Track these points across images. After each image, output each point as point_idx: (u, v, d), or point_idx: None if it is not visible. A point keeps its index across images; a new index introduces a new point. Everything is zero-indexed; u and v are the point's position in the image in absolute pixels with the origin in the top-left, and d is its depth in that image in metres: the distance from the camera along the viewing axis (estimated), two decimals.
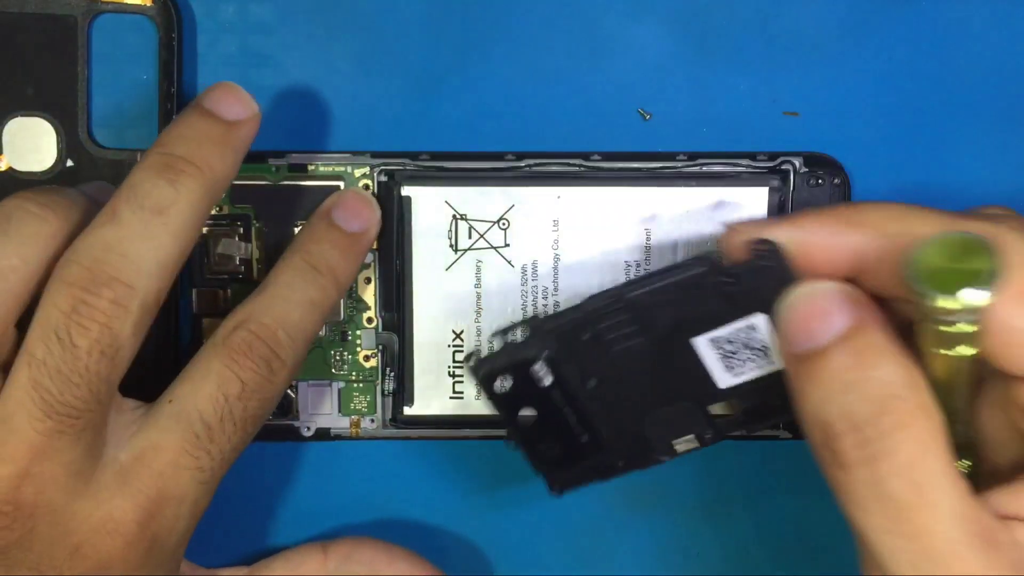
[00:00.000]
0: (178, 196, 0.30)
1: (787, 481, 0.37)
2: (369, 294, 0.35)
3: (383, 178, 0.35)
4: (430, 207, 0.35)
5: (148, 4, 0.34)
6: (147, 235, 0.29)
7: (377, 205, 0.34)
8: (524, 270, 0.35)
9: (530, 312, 0.35)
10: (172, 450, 0.30)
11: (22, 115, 0.34)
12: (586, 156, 0.35)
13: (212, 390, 0.30)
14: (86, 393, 0.29)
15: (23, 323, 0.30)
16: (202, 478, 0.30)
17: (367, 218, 0.34)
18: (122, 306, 0.29)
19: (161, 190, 0.30)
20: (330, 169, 0.35)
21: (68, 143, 0.34)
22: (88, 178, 0.34)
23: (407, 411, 0.36)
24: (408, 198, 0.35)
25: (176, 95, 0.34)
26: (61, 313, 0.29)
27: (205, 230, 0.35)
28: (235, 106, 0.31)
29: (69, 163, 0.34)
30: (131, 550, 0.30)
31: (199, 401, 0.30)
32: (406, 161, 0.35)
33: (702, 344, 0.30)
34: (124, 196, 0.30)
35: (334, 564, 0.35)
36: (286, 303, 0.32)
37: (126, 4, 0.34)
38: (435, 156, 0.35)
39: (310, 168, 0.35)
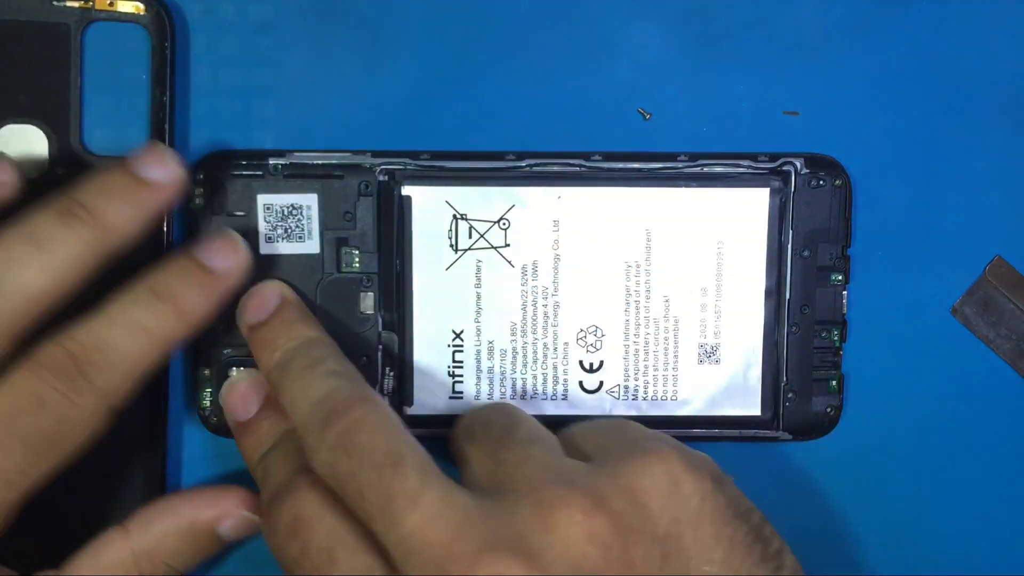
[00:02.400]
0: (63, 235, 0.30)
1: (786, 481, 0.37)
2: (369, 294, 0.35)
3: (383, 178, 0.35)
4: (430, 207, 0.35)
5: (141, 12, 0.34)
6: (18, 262, 0.30)
7: (246, 251, 0.33)
8: (524, 270, 0.35)
9: (530, 311, 0.35)
10: None
11: (14, 122, 0.34)
12: (586, 156, 0.35)
13: (2, 403, 0.29)
14: None
15: None
16: None
17: (230, 259, 0.33)
18: None
19: (48, 226, 0.30)
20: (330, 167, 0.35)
21: (60, 150, 0.34)
22: None
23: (407, 411, 0.36)
24: (408, 198, 0.35)
25: (169, 102, 0.34)
26: None
27: None
28: (156, 168, 0.31)
29: (61, 170, 0.34)
30: None
31: None
32: (406, 161, 0.35)
33: None
34: (14, 226, 0.30)
35: (137, 537, 0.33)
36: (112, 325, 0.30)
37: (119, 12, 0.34)
38: (435, 156, 0.35)
39: (310, 168, 0.35)
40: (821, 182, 0.35)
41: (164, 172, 0.31)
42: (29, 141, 0.34)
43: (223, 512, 0.33)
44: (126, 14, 0.34)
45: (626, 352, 0.36)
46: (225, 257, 0.33)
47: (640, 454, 0.30)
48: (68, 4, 0.34)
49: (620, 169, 0.35)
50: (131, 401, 0.31)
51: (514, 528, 0.28)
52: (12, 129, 0.34)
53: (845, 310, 0.36)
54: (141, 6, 0.34)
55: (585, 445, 0.32)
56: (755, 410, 0.36)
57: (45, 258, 0.30)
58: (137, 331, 0.31)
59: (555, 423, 0.36)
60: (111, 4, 0.34)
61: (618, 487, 0.29)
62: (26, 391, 0.29)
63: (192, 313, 0.31)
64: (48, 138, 0.34)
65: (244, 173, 0.35)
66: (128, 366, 0.30)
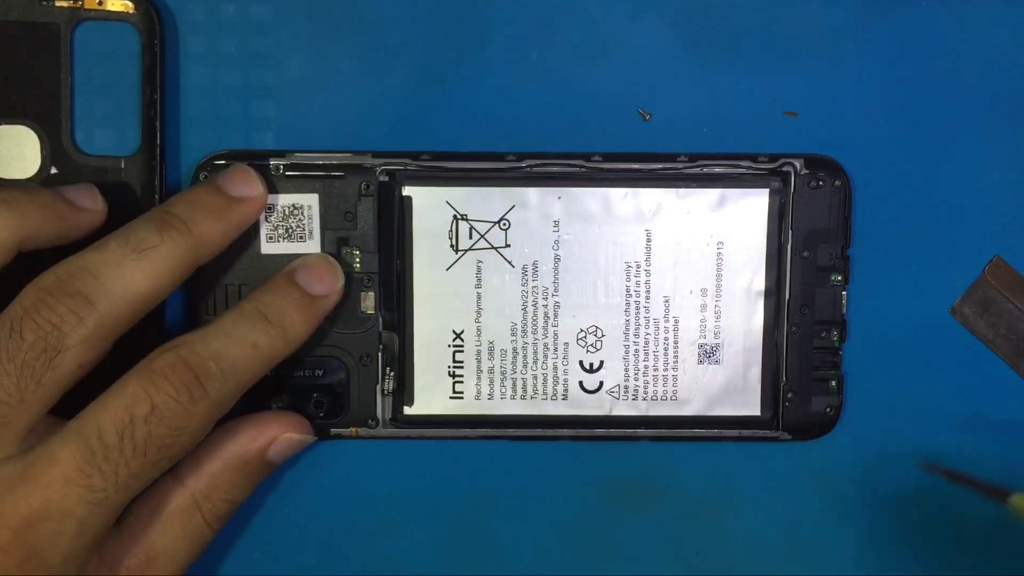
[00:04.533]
0: (161, 243, 0.31)
1: (786, 481, 0.37)
2: (370, 294, 0.35)
3: (384, 178, 0.35)
4: (431, 207, 0.35)
5: (131, 11, 0.34)
6: (121, 265, 0.31)
7: (342, 273, 0.35)
8: (524, 270, 0.35)
9: (530, 311, 0.36)
10: (65, 463, 0.30)
11: (5, 123, 0.34)
12: (587, 157, 0.35)
13: (118, 408, 0.30)
14: (13, 385, 0.30)
15: None
16: (92, 498, 0.30)
17: (330, 283, 0.34)
18: (78, 316, 0.30)
19: (147, 234, 0.32)
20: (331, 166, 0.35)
21: (52, 150, 0.34)
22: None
23: (407, 411, 0.36)
24: (409, 198, 0.35)
25: (160, 101, 0.34)
26: (22, 309, 0.30)
27: None
28: (242, 186, 0.34)
29: (53, 170, 0.34)
30: (3, 555, 0.29)
31: (102, 417, 0.30)
32: (407, 161, 0.35)
33: None
34: (117, 233, 0.32)
35: (192, 483, 0.34)
36: (227, 338, 0.32)
37: (109, 11, 0.34)
38: (436, 156, 0.35)
39: (310, 168, 0.35)
40: (821, 183, 0.35)
41: (249, 190, 0.34)
42: (21, 142, 0.34)
43: (269, 440, 0.34)
44: (115, 13, 0.34)
45: (626, 352, 0.36)
46: (327, 284, 0.34)
47: None
48: (57, 4, 0.34)
49: (620, 169, 0.35)
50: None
51: None
52: (3, 130, 0.34)
53: (844, 310, 0.36)
54: (130, 5, 0.34)
55: None
56: (755, 410, 0.36)
57: (146, 264, 0.31)
58: (248, 348, 0.32)
59: (555, 423, 0.36)
60: (100, 3, 0.34)
61: None
62: (142, 397, 0.30)
63: (296, 336, 0.33)
64: (40, 138, 0.34)
65: None
66: (239, 379, 0.32)
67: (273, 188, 0.35)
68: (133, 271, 0.31)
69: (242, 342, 0.32)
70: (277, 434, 0.34)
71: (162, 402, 0.30)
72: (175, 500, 0.33)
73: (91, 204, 0.33)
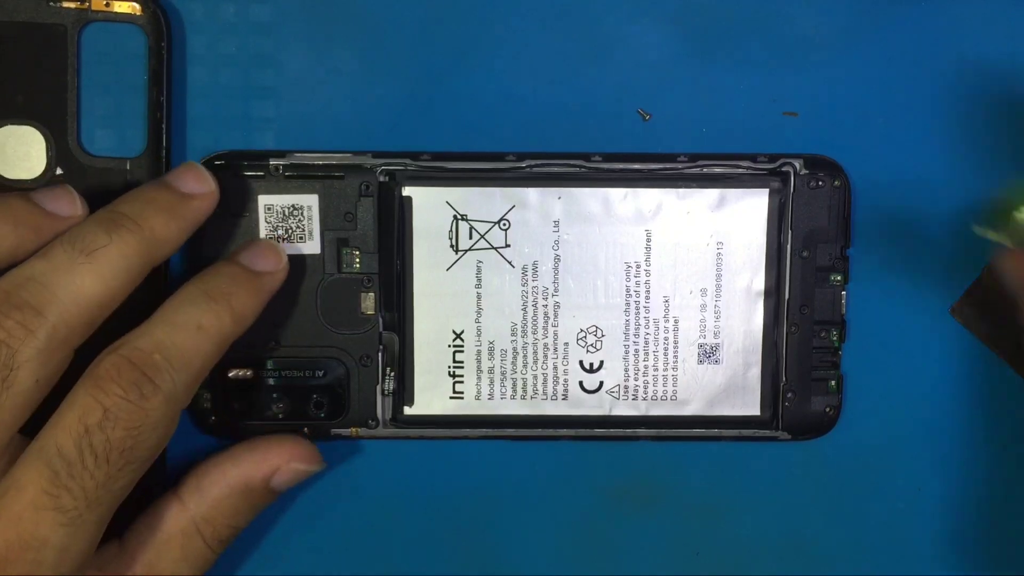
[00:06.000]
0: (110, 243, 0.30)
1: (786, 481, 0.37)
2: (370, 294, 0.35)
3: (384, 178, 0.35)
4: (431, 207, 0.35)
5: (138, 13, 0.34)
6: (70, 271, 0.30)
7: (285, 253, 0.34)
8: (524, 270, 0.35)
9: (530, 312, 0.36)
10: (30, 489, 0.29)
11: (12, 123, 0.34)
12: (587, 157, 0.35)
13: (72, 421, 0.29)
14: None
15: None
16: (65, 520, 0.29)
17: (274, 260, 0.34)
18: (27, 329, 0.29)
19: (95, 235, 0.31)
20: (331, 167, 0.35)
21: (58, 151, 0.34)
22: (77, 186, 0.34)
23: (407, 411, 0.36)
24: (409, 198, 0.35)
25: (167, 103, 0.34)
26: None
27: None
28: (193, 183, 0.33)
29: (59, 171, 0.34)
30: None
31: (59, 433, 0.29)
32: (407, 161, 0.35)
33: None
34: (62, 238, 0.31)
35: (194, 506, 0.33)
36: (169, 327, 0.31)
37: (116, 13, 0.34)
38: (436, 156, 0.35)
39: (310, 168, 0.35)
40: (820, 183, 0.35)
41: (200, 186, 0.33)
42: (27, 142, 0.34)
43: (273, 468, 0.34)
44: (122, 15, 0.34)
45: (626, 352, 0.36)
46: (268, 260, 0.33)
47: None
48: (64, 5, 0.34)
49: (620, 170, 0.35)
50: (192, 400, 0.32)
51: None
52: (10, 130, 0.34)
53: (844, 310, 0.36)
54: (137, 7, 0.34)
55: None
56: (754, 410, 0.36)
57: (96, 266, 0.30)
58: (194, 331, 0.31)
59: (555, 423, 0.36)
60: (107, 5, 0.34)
61: None
62: (92, 405, 0.29)
63: (243, 311, 0.32)
64: (46, 139, 0.34)
65: (245, 174, 0.35)
66: (189, 364, 0.31)
67: (273, 188, 0.35)
68: (83, 275, 0.30)
69: (186, 326, 0.31)
70: (282, 463, 0.34)
71: (113, 405, 0.29)
72: (177, 523, 0.33)
73: (70, 210, 0.32)
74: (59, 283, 0.30)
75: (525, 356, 0.36)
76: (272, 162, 0.35)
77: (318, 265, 0.35)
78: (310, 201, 0.35)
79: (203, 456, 0.35)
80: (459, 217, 0.35)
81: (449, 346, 0.36)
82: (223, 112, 0.35)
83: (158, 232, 0.31)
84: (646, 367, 0.36)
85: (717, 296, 0.36)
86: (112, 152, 0.34)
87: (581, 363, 0.36)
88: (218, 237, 0.35)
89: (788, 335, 0.36)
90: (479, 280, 0.35)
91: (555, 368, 0.36)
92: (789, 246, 0.35)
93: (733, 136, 0.35)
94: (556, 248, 0.35)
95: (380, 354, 0.36)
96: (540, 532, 0.37)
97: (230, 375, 0.35)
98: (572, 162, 0.35)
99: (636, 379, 0.36)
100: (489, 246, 0.35)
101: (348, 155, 0.35)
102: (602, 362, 0.36)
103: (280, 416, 0.36)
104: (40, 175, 0.34)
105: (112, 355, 0.30)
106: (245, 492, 0.34)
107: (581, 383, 0.36)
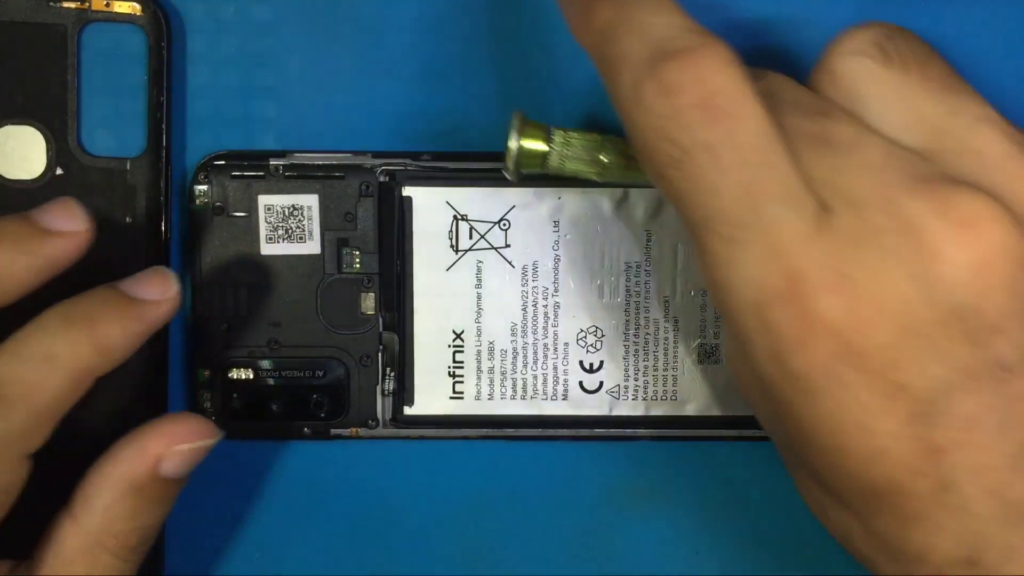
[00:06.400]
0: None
1: (786, 481, 0.37)
2: (370, 295, 0.35)
3: (384, 178, 0.35)
4: (431, 207, 0.35)
5: (138, 13, 0.34)
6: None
7: (177, 281, 0.31)
8: (524, 270, 0.35)
9: (530, 312, 0.36)
10: None
11: (11, 123, 0.34)
12: None
13: None
14: None
15: None
16: None
17: (160, 288, 0.30)
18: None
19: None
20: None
21: (58, 151, 0.34)
22: (78, 186, 0.34)
23: (407, 411, 0.36)
24: (409, 198, 0.35)
25: (167, 103, 0.34)
26: None
27: None
28: (63, 221, 0.30)
29: (59, 171, 0.34)
30: None
31: None
32: (407, 161, 0.35)
33: None
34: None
35: (85, 520, 0.30)
36: (11, 357, 0.28)
37: (116, 13, 0.34)
38: (436, 156, 0.35)
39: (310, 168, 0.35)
40: None
41: (70, 223, 0.30)
42: (27, 142, 0.34)
43: (155, 456, 0.30)
44: (123, 15, 0.34)
45: (626, 352, 0.36)
46: (153, 287, 0.30)
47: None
48: (64, 5, 0.34)
49: None
50: (48, 440, 0.29)
51: (984, 183, 0.25)
52: (10, 130, 0.34)
53: None
54: (138, 7, 0.34)
55: None
56: None
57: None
58: (39, 360, 0.28)
59: (555, 423, 0.36)
60: (107, 5, 0.34)
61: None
62: None
63: (110, 341, 0.29)
64: (46, 139, 0.34)
65: (245, 174, 0.35)
66: (31, 402, 0.28)
67: (273, 188, 0.35)
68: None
69: (32, 357, 0.28)
70: (164, 448, 0.30)
71: None
72: (75, 544, 0.30)
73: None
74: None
75: (525, 356, 0.36)
76: (272, 162, 0.35)
77: (318, 265, 0.35)
78: (310, 201, 0.35)
79: (205, 457, 0.35)
80: (459, 217, 0.35)
81: (449, 346, 0.36)
82: (223, 112, 0.35)
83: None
84: (646, 367, 0.36)
85: None
86: (112, 152, 0.34)
87: (581, 363, 0.36)
88: (218, 237, 0.35)
89: None
90: (479, 280, 0.35)
91: (555, 368, 0.36)
92: None
93: None
94: (556, 248, 0.35)
95: (380, 354, 0.36)
96: (540, 532, 0.37)
97: (230, 375, 0.35)
98: None
99: (636, 379, 0.36)
100: (489, 246, 0.35)
101: (348, 155, 0.35)
102: (602, 362, 0.36)
103: (280, 417, 0.36)
104: (40, 175, 0.34)
105: None
106: (134, 491, 0.30)
107: (581, 383, 0.36)
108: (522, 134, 0.31)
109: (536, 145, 0.31)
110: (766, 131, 0.25)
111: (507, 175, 0.32)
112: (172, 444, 0.30)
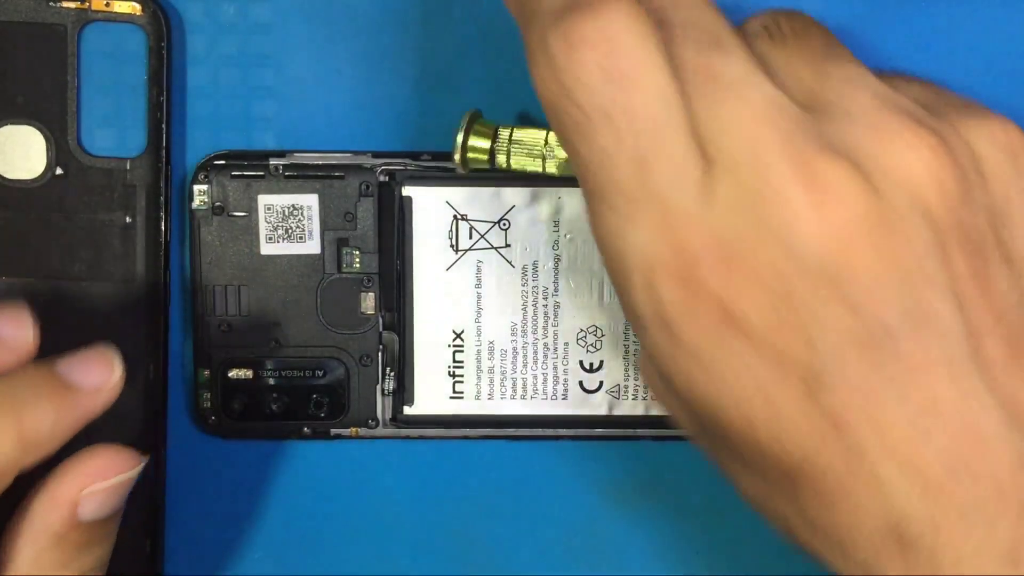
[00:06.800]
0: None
1: None
2: (370, 294, 0.35)
3: (384, 178, 0.35)
4: (431, 207, 0.35)
5: (138, 13, 0.34)
6: None
7: (120, 365, 0.29)
8: (524, 270, 0.35)
9: (530, 312, 0.36)
10: None
11: (11, 123, 0.34)
12: None
13: None
14: None
15: None
16: None
17: (99, 375, 0.28)
18: None
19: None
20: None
21: (58, 151, 0.34)
22: (78, 185, 0.34)
23: (407, 411, 0.36)
24: (409, 198, 0.35)
25: (167, 103, 0.34)
26: None
27: None
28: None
29: (59, 171, 0.34)
30: None
31: None
32: (407, 161, 0.35)
33: None
34: None
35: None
36: None
37: (116, 13, 0.34)
38: (436, 156, 0.35)
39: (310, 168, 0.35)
40: None
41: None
42: (27, 142, 0.34)
43: (69, 504, 0.28)
44: (123, 14, 0.34)
45: (626, 352, 0.36)
46: (92, 374, 0.28)
47: (979, 117, 0.27)
48: (64, 5, 0.34)
49: None
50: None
51: (849, 143, 0.25)
52: (10, 130, 0.34)
53: None
54: (138, 6, 0.34)
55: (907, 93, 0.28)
56: None
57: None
58: None
59: (555, 423, 0.36)
60: (107, 5, 0.34)
61: (960, 140, 0.26)
62: None
63: (38, 433, 0.27)
64: (46, 139, 0.34)
65: (245, 174, 0.35)
66: None
67: (273, 188, 0.35)
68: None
69: None
70: (77, 492, 0.28)
71: None
72: None
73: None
74: None
75: (525, 356, 0.36)
76: (272, 162, 0.35)
77: (318, 265, 0.35)
78: (310, 201, 0.35)
79: (204, 457, 0.35)
80: (459, 217, 0.35)
81: (449, 346, 0.36)
82: (223, 112, 0.35)
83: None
84: None
85: None
86: (112, 152, 0.34)
87: (581, 363, 0.36)
88: (218, 237, 0.35)
89: None
90: (479, 280, 0.35)
91: (555, 368, 0.36)
92: None
93: None
94: (556, 248, 0.35)
95: (380, 354, 0.36)
96: (540, 532, 0.37)
97: (230, 375, 0.35)
98: None
99: (636, 379, 0.36)
100: (489, 246, 0.35)
101: (348, 155, 0.35)
102: (602, 362, 0.36)
103: (280, 416, 0.36)
104: (40, 175, 0.34)
105: None
106: (58, 541, 0.28)
107: (581, 383, 0.36)
108: (468, 132, 0.32)
109: (480, 142, 0.33)
110: (663, 93, 0.25)
111: (458, 169, 0.33)
112: (87, 484, 0.28)
